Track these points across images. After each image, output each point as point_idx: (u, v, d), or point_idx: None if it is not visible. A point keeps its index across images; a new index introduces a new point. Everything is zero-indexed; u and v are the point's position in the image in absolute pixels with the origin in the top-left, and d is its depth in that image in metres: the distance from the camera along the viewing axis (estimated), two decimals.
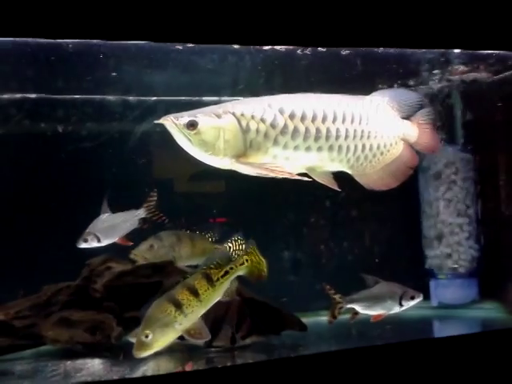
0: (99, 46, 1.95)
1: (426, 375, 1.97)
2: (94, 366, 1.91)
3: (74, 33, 1.75)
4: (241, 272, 1.75)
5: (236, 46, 2.04)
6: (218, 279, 1.68)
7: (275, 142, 1.67)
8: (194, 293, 1.62)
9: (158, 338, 1.54)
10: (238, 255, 1.78)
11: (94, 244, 2.12)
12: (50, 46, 1.89)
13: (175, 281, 1.65)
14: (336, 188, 1.74)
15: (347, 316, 2.25)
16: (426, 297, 2.72)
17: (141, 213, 2.20)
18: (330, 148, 1.72)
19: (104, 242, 2.14)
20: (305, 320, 2.21)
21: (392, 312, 2.22)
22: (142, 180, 2.54)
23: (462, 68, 2.66)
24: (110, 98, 2.55)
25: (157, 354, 1.64)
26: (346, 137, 1.74)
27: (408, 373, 1.95)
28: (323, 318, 2.52)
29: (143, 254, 2.14)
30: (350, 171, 1.80)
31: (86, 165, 2.50)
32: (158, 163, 2.64)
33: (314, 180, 1.73)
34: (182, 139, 1.64)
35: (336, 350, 1.98)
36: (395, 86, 2.65)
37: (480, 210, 2.92)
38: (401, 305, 2.21)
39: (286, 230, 2.84)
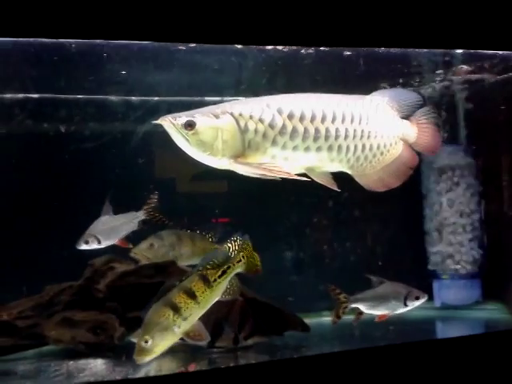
0: (102, 46, 1.95)
1: (429, 377, 1.96)
2: (97, 366, 1.91)
3: (76, 33, 1.74)
4: (238, 269, 1.73)
5: (239, 46, 2.04)
6: (215, 280, 1.67)
7: (274, 143, 1.66)
8: (192, 295, 1.60)
9: (157, 343, 1.53)
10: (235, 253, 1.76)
11: (95, 246, 2.12)
12: (53, 46, 1.89)
13: (172, 284, 1.63)
14: (335, 188, 1.73)
15: (350, 317, 2.25)
16: (429, 297, 2.69)
17: (140, 215, 2.20)
18: (330, 148, 1.71)
19: (104, 244, 2.14)
20: (307, 321, 2.21)
21: (397, 312, 2.22)
22: (144, 180, 2.54)
23: (465, 68, 2.65)
24: (113, 98, 2.55)
25: (159, 355, 1.63)
26: (346, 137, 1.73)
27: (411, 374, 1.94)
28: (326, 318, 2.52)
29: (143, 252, 2.14)
30: (349, 171, 1.79)
31: (88, 165, 2.50)
32: (161, 163, 2.64)
33: (312, 180, 1.73)
34: (179, 139, 1.63)
35: (339, 351, 1.98)
36: (397, 85, 2.65)
37: (483, 210, 2.91)
38: (405, 305, 2.20)
39: (289, 230, 2.83)
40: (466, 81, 2.80)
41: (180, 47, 2.03)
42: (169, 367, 1.83)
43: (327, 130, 1.70)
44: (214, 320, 2.02)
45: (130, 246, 2.18)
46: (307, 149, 1.69)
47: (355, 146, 1.75)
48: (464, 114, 2.97)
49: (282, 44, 2.05)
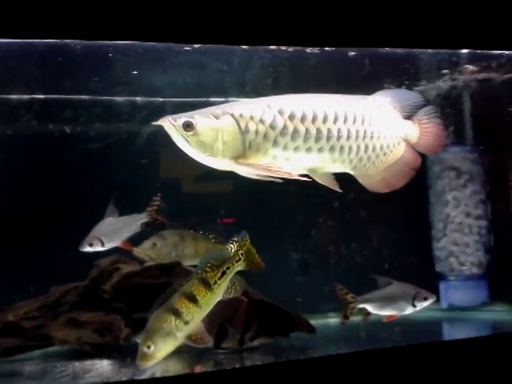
0: (107, 46, 1.95)
1: (436, 379, 1.95)
2: (103, 367, 1.91)
3: (81, 34, 1.75)
4: (239, 268, 1.71)
5: (244, 47, 2.04)
6: (215, 282, 1.65)
7: (275, 143, 1.65)
8: (193, 299, 1.60)
9: (160, 348, 1.53)
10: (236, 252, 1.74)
11: (99, 248, 2.12)
12: (58, 46, 1.89)
13: (173, 289, 1.62)
14: (337, 189, 1.72)
15: (356, 318, 2.24)
16: (436, 299, 2.69)
17: (143, 217, 2.20)
18: (332, 149, 1.70)
19: (107, 246, 2.14)
20: (313, 322, 2.20)
21: (405, 313, 2.20)
22: (149, 181, 2.54)
23: (471, 68, 2.64)
24: (118, 99, 2.55)
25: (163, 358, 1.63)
26: (348, 137, 1.72)
27: (418, 377, 1.93)
28: (332, 319, 2.51)
29: (146, 251, 2.14)
30: (352, 172, 1.78)
31: (92, 166, 2.50)
32: (165, 164, 2.64)
33: (314, 181, 1.72)
34: (180, 140, 1.63)
35: (345, 353, 1.97)
36: (403, 86, 2.64)
37: (490, 211, 2.90)
38: (414, 306, 2.18)
39: (294, 231, 2.83)
40: (473, 80, 2.78)
41: (185, 48, 2.03)
42: (175, 368, 1.83)
43: (329, 131, 1.69)
44: (220, 321, 2.02)
45: (133, 248, 2.17)
46: (309, 149, 1.68)
47: (358, 147, 1.74)
48: (471, 114, 2.96)
49: (287, 44, 2.05)
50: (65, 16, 1.69)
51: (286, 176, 1.65)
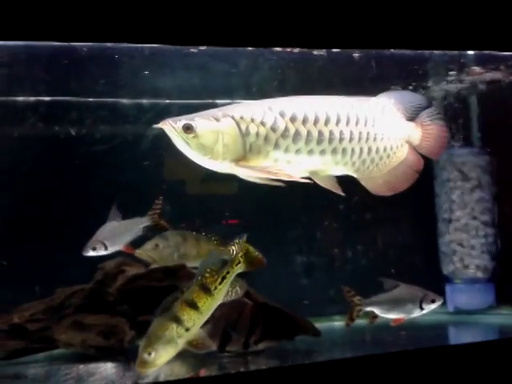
0: (113, 49, 1.95)
1: None
2: (107, 370, 1.91)
3: (87, 36, 1.74)
4: (239, 271, 1.70)
5: (250, 49, 2.03)
6: (215, 288, 1.64)
7: (276, 146, 1.64)
8: (194, 306, 1.59)
9: (160, 355, 1.53)
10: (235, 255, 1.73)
11: (102, 252, 2.12)
12: (64, 49, 1.89)
13: (174, 297, 1.61)
14: (340, 193, 1.71)
15: (361, 321, 2.23)
16: (442, 302, 2.68)
17: (145, 221, 2.20)
18: (334, 151, 1.69)
19: (110, 250, 2.14)
20: (318, 325, 2.19)
21: (412, 316, 2.18)
22: (154, 183, 2.54)
23: (479, 69, 2.62)
24: (124, 101, 2.55)
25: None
26: (351, 139, 1.70)
27: (424, 381, 1.92)
28: (337, 323, 2.50)
29: (148, 252, 2.14)
30: (355, 175, 1.77)
31: (96, 168, 2.50)
32: (170, 166, 2.63)
33: (316, 184, 1.70)
34: (180, 143, 1.62)
35: (350, 357, 1.96)
36: (410, 87, 2.63)
37: (497, 213, 2.87)
38: (421, 308, 2.16)
39: (300, 233, 2.82)
40: (480, 82, 2.76)
41: (192, 50, 2.03)
42: (179, 372, 1.82)
43: (331, 133, 1.68)
44: (225, 324, 2.01)
45: (135, 252, 2.17)
46: (310, 152, 1.67)
47: (361, 149, 1.72)
48: (478, 116, 2.94)
49: (293, 46, 2.03)
50: (71, 19, 1.69)
51: (287, 178, 1.64)
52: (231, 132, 1.62)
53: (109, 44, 1.86)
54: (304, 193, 2.47)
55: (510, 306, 2.78)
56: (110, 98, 2.53)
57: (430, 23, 2.04)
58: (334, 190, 1.71)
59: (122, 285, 2.09)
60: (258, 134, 1.63)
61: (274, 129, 1.64)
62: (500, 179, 2.87)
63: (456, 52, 2.33)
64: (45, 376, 1.89)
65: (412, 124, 1.82)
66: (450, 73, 2.64)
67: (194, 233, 2.19)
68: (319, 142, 1.67)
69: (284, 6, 1.88)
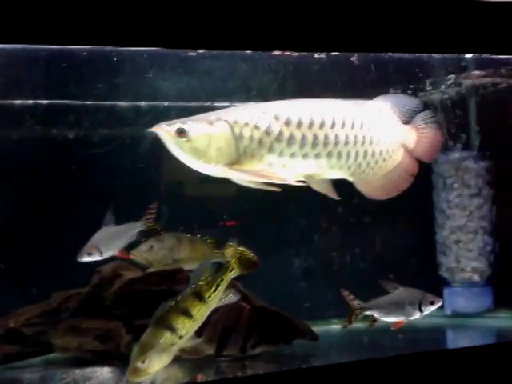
0: (112, 52, 1.94)
1: None
2: (104, 374, 1.90)
3: (86, 39, 1.74)
4: (233, 276, 1.69)
5: (248, 52, 2.02)
6: (209, 296, 1.63)
7: (270, 150, 1.62)
8: (187, 315, 1.58)
9: (154, 363, 1.52)
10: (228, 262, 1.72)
11: (97, 257, 2.11)
12: (62, 52, 1.88)
13: (167, 305, 1.59)
14: (335, 197, 1.70)
15: (359, 325, 2.22)
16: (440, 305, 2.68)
17: (139, 225, 2.19)
18: (329, 155, 1.68)
19: (105, 255, 2.13)
20: (316, 329, 2.18)
21: (412, 318, 2.18)
22: (151, 186, 2.53)
23: (477, 72, 2.62)
24: (122, 103, 2.55)
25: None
26: (346, 143, 1.69)
27: None
28: (335, 326, 2.50)
29: (143, 254, 2.13)
30: (351, 178, 1.76)
31: (93, 171, 2.49)
32: (167, 169, 2.62)
33: (310, 188, 1.70)
34: (173, 147, 1.61)
35: (348, 362, 1.95)
36: (408, 91, 2.62)
37: (495, 216, 2.87)
38: (420, 310, 2.16)
39: (298, 236, 2.81)
40: (479, 85, 2.76)
41: (190, 53, 2.02)
42: (176, 377, 1.82)
43: (326, 137, 1.66)
44: (222, 328, 2.00)
45: (130, 257, 2.16)
46: (305, 156, 1.65)
47: (356, 153, 1.71)
48: (477, 119, 2.93)
49: (292, 49, 2.03)
50: (70, 22, 1.68)
51: (281, 182, 1.63)
52: (225, 136, 1.60)
53: (108, 47, 1.85)
54: (303, 195, 2.47)
55: (507, 310, 2.79)
56: (107, 101, 2.52)
57: (428, 26, 2.04)
58: (329, 194, 1.70)
59: (119, 289, 2.09)
60: (251, 138, 1.62)
61: (268, 132, 1.62)
62: (499, 183, 2.87)
63: (455, 55, 2.33)
64: (41, 380, 1.88)
65: (407, 127, 1.81)
66: (449, 76, 2.64)
67: (189, 235, 2.18)
68: (314, 145, 1.66)
69: (283, 8, 1.87)
